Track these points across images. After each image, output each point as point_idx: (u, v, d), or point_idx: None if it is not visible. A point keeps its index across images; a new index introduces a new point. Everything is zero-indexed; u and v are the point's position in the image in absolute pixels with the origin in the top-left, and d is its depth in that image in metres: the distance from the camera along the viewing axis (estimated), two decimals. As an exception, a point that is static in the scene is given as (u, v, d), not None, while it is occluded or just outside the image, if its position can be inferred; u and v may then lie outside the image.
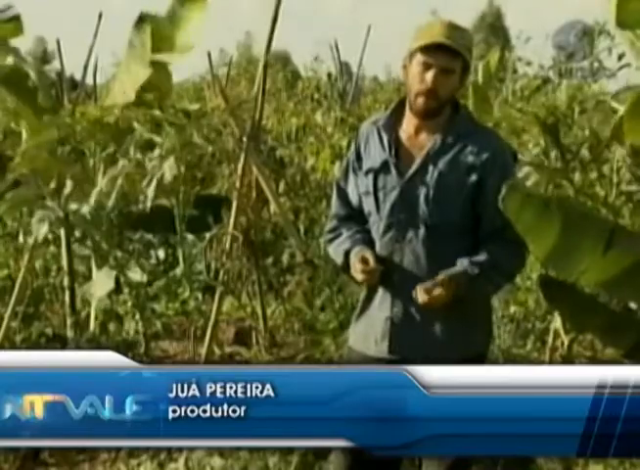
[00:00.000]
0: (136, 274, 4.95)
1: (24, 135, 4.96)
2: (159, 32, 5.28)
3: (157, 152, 4.82)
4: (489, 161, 2.78)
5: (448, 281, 2.73)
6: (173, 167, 4.71)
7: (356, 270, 2.82)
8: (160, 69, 4.86)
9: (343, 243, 2.93)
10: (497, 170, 2.77)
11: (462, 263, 2.76)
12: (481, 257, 2.77)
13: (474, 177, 2.78)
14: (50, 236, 5.62)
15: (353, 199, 2.96)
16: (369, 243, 2.88)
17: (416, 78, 2.78)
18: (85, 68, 7.71)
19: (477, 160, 2.78)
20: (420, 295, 2.72)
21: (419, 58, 2.76)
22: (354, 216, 2.96)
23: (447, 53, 2.73)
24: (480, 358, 2.83)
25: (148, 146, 5.18)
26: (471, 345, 2.84)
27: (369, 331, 2.89)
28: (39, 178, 4.92)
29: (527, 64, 6.50)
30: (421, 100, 2.79)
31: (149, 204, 5.15)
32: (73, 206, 4.98)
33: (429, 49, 2.75)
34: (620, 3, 2.93)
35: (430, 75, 2.75)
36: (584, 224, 2.89)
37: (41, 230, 4.84)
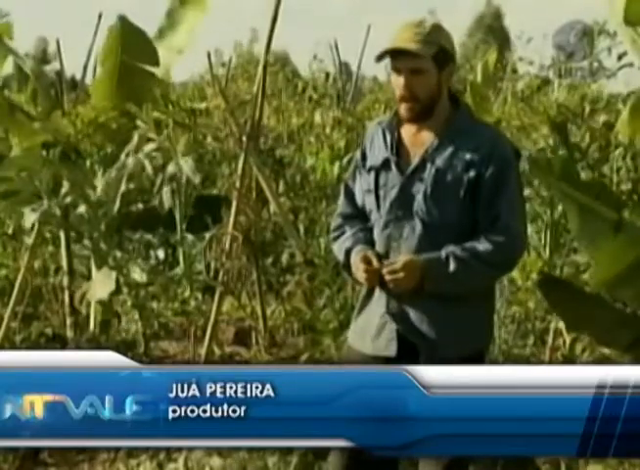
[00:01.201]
0: (136, 274, 4.94)
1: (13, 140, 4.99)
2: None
3: (158, 151, 4.77)
4: (487, 157, 2.77)
5: (411, 264, 2.72)
6: (194, 169, 4.67)
7: (359, 269, 2.82)
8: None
9: (346, 241, 2.93)
10: (494, 166, 2.76)
11: (440, 251, 2.75)
12: (464, 246, 2.74)
13: (471, 173, 2.77)
14: (49, 235, 5.63)
15: (359, 198, 2.97)
16: (370, 242, 2.88)
17: (394, 85, 2.81)
18: (85, 68, 7.69)
19: (474, 156, 2.77)
20: (386, 276, 2.74)
21: (391, 64, 2.79)
22: (359, 215, 2.97)
23: (412, 54, 2.73)
24: (478, 357, 2.81)
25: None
26: (468, 343, 2.82)
27: (366, 328, 2.89)
28: (35, 179, 4.92)
29: (530, 63, 6.50)
30: (403, 106, 2.81)
31: (166, 206, 5.15)
32: (72, 205, 4.98)
33: (393, 54, 2.77)
34: (630, 1, 2.95)
35: (401, 79, 2.77)
36: (593, 214, 2.93)
37: (31, 218, 4.83)
